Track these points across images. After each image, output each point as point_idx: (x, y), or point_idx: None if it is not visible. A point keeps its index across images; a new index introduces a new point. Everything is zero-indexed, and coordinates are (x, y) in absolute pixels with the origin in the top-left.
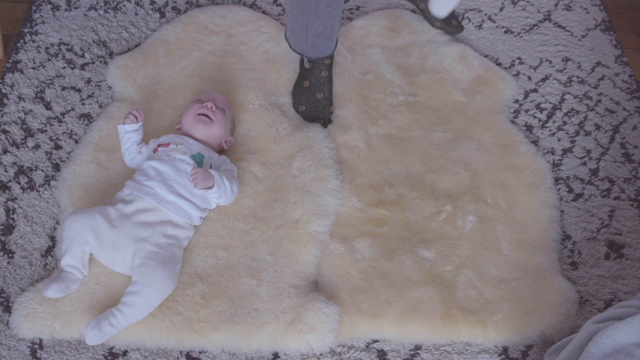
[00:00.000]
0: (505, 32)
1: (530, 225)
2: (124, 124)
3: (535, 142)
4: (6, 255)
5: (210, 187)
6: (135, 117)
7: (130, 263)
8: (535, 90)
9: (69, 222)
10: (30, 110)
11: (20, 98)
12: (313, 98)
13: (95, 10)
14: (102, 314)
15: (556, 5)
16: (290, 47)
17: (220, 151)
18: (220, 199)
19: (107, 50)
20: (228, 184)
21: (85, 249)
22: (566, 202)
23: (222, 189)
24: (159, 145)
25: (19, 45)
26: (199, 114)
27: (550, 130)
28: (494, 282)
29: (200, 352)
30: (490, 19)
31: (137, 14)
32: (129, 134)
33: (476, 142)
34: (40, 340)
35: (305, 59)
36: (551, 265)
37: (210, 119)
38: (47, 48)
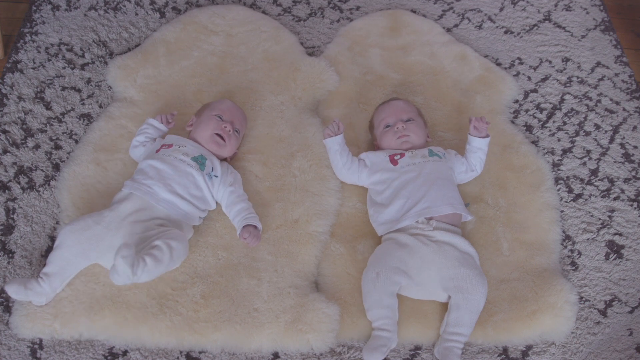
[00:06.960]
0: (505, 32)
1: (530, 226)
2: (154, 118)
3: (535, 142)
4: (6, 255)
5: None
6: (166, 120)
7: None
8: (535, 91)
9: (64, 234)
10: (30, 110)
11: (20, 98)
12: None
13: (95, 10)
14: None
15: (556, 5)
16: None
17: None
18: None
19: (107, 50)
20: None
21: (76, 262)
22: (566, 202)
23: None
24: (162, 146)
25: (19, 45)
26: (216, 134)
27: (550, 131)
28: (494, 283)
29: (200, 352)
30: (490, 19)
31: (137, 14)
32: (148, 126)
33: None
34: (40, 340)
35: None
36: (551, 265)
37: (224, 141)
38: (47, 48)
